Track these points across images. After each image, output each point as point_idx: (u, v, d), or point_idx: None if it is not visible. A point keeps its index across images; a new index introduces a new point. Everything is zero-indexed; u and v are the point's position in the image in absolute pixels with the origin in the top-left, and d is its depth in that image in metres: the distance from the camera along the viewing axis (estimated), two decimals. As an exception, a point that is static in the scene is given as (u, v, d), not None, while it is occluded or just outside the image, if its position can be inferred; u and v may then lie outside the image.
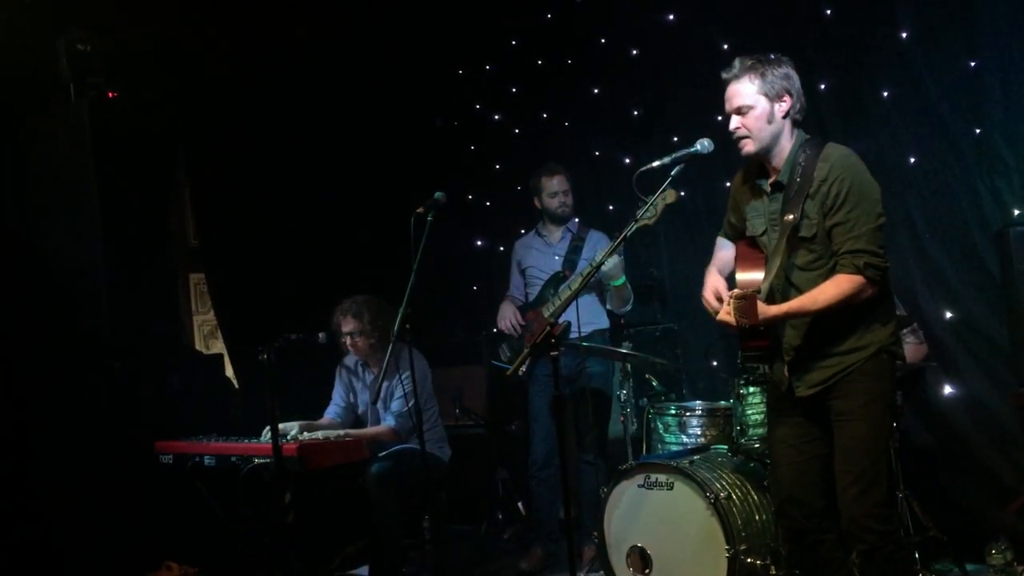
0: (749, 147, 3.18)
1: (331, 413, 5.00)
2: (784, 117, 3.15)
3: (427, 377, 4.87)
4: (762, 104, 3.13)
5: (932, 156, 4.70)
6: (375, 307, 4.82)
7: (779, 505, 3.32)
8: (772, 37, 5.11)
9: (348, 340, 4.83)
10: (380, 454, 4.73)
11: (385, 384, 4.63)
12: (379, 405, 4.80)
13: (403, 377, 4.49)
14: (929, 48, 4.67)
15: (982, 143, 4.56)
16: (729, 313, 3.01)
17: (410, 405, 4.45)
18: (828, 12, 4.97)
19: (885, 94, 4.81)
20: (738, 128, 3.17)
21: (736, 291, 3.01)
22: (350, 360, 5.05)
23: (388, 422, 4.75)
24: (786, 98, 3.14)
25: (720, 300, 3.17)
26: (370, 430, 4.79)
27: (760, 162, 3.25)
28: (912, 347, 4.49)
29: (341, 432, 4.65)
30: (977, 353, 4.58)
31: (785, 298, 3.12)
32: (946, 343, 4.63)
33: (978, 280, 4.58)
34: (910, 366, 4.35)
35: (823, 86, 4.98)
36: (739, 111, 3.16)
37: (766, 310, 2.99)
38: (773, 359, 3.25)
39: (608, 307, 5.13)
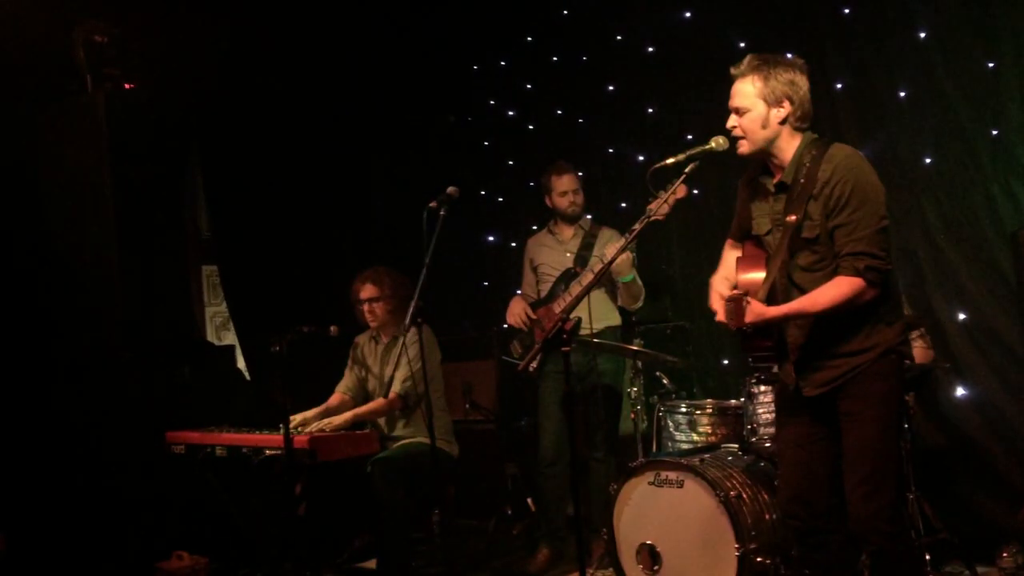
0: (743, 148, 3.18)
1: (341, 387, 5.02)
2: (781, 123, 3.12)
3: (435, 357, 4.88)
4: (759, 108, 3.12)
5: (948, 157, 4.69)
6: (395, 277, 4.85)
7: (785, 505, 3.31)
8: (789, 35, 5.12)
9: (366, 307, 4.84)
10: (392, 447, 4.75)
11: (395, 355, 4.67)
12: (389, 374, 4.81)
13: (410, 346, 4.51)
14: (947, 48, 4.65)
15: (998, 144, 4.54)
16: (722, 314, 3.01)
17: (415, 370, 4.43)
18: (846, 11, 4.95)
19: (902, 94, 4.79)
20: (734, 128, 3.18)
21: (728, 292, 3.01)
22: (362, 338, 5.08)
23: (393, 389, 4.73)
24: (785, 104, 3.11)
25: None
26: (375, 404, 4.79)
27: (765, 161, 3.25)
28: (920, 351, 4.47)
29: (349, 415, 4.65)
30: (990, 355, 4.57)
31: (787, 298, 3.12)
32: (959, 345, 4.62)
33: (992, 282, 4.57)
34: (920, 367, 4.34)
35: (839, 85, 4.97)
36: (737, 111, 3.16)
37: (764, 311, 2.99)
38: (780, 359, 3.25)
39: (619, 304, 5.13)
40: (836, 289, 3.01)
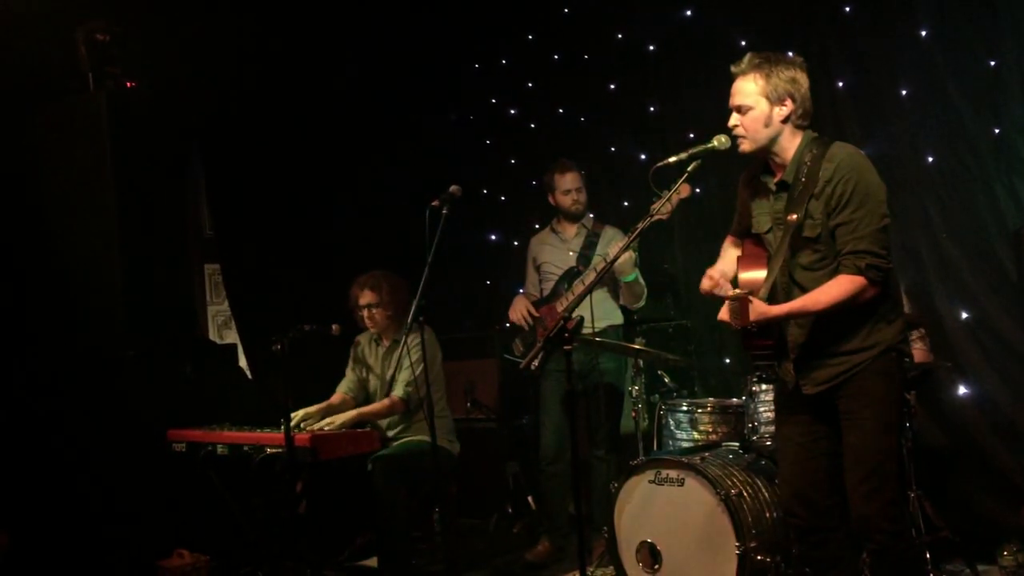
0: (745, 146, 3.18)
1: (342, 388, 5.03)
2: (783, 121, 3.13)
3: (437, 358, 4.89)
4: (762, 106, 3.12)
5: (950, 155, 4.68)
6: (393, 281, 4.86)
7: (786, 503, 3.31)
8: (790, 34, 5.11)
9: (365, 313, 4.86)
10: (392, 445, 4.75)
11: (397, 358, 4.70)
12: (392, 376, 4.82)
13: (412, 349, 4.52)
14: (948, 47, 4.65)
15: (1000, 143, 4.54)
16: (726, 314, 3.01)
17: (418, 373, 4.43)
18: (847, 9, 4.95)
19: (903, 92, 4.78)
20: (736, 126, 3.17)
21: (732, 291, 3.01)
22: (363, 337, 5.09)
23: (396, 392, 4.76)
24: (787, 102, 3.11)
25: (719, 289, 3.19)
26: (378, 404, 4.80)
27: (766, 160, 3.25)
28: (920, 352, 4.46)
29: (353, 414, 4.66)
30: (992, 353, 4.57)
31: (788, 297, 3.12)
32: (961, 343, 4.61)
33: (994, 280, 4.56)
34: (921, 366, 4.34)
35: (841, 83, 4.97)
36: (739, 109, 3.16)
37: (767, 310, 2.99)
38: (780, 358, 3.25)
39: (621, 303, 5.13)
40: (837, 288, 3.01)
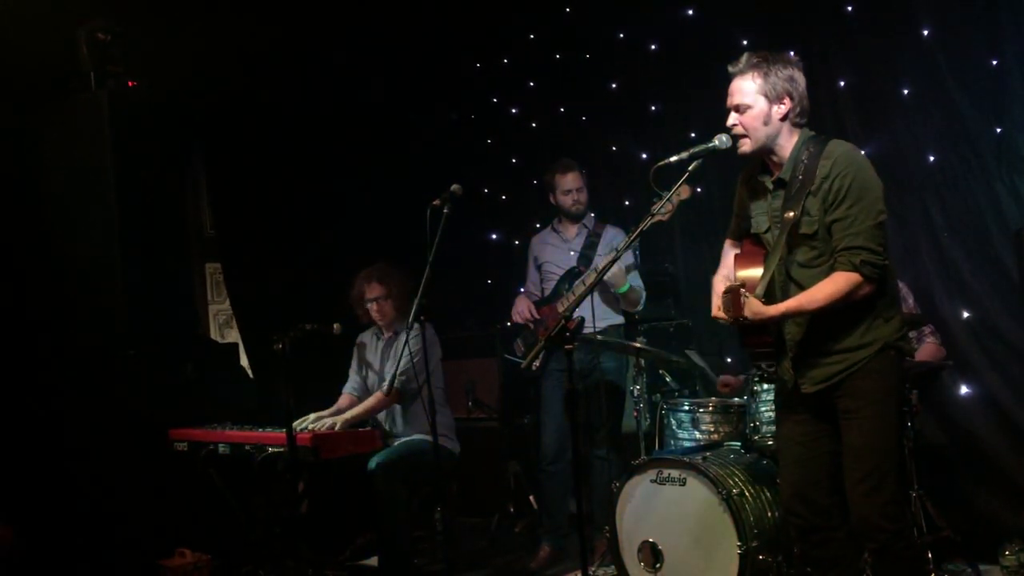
0: (745, 147, 3.18)
1: (348, 388, 5.03)
2: (782, 120, 3.13)
3: (435, 355, 4.86)
4: (760, 105, 3.12)
5: (951, 155, 4.68)
6: (401, 273, 4.85)
7: (787, 503, 3.31)
8: (792, 33, 5.11)
9: (374, 306, 4.85)
10: (393, 444, 4.75)
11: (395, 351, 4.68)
12: (387, 369, 4.80)
13: (411, 338, 4.49)
14: (950, 46, 4.64)
15: (1002, 142, 4.53)
16: (719, 308, 3.00)
17: (411, 364, 4.43)
18: (849, 9, 4.95)
19: (905, 92, 4.78)
20: (735, 126, 3.17)
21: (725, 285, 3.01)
22: (365, 336, 5.09)
23: (388, 386, 4.73)
24: (786, 100, 3.12)
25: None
26: (373, 400, 4.76)
27: (763, 159, 3.25)
28: (933, 347, 4.47)
29: (348, 416, 4.66)
30: (993, 353, 4.56)
31: (786, 294, 3.12)
32: (962, 343, 4.61)
33: (995, 280, 4.56)
34: (928, 365, 4.34)
35: (843, 83, 4.96)
36: (737, 108, 3.16)
37: (763, 310, 2.98)
38: (778, 356, 3.25)
39: (620, 307, 5.13)
40: (833, 285, 3.01)
